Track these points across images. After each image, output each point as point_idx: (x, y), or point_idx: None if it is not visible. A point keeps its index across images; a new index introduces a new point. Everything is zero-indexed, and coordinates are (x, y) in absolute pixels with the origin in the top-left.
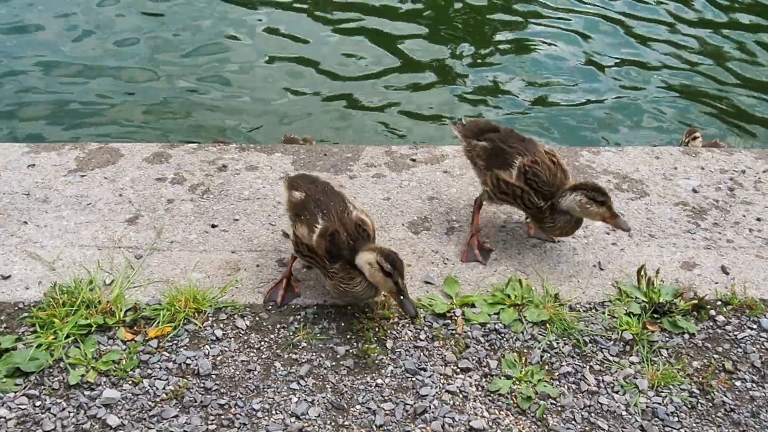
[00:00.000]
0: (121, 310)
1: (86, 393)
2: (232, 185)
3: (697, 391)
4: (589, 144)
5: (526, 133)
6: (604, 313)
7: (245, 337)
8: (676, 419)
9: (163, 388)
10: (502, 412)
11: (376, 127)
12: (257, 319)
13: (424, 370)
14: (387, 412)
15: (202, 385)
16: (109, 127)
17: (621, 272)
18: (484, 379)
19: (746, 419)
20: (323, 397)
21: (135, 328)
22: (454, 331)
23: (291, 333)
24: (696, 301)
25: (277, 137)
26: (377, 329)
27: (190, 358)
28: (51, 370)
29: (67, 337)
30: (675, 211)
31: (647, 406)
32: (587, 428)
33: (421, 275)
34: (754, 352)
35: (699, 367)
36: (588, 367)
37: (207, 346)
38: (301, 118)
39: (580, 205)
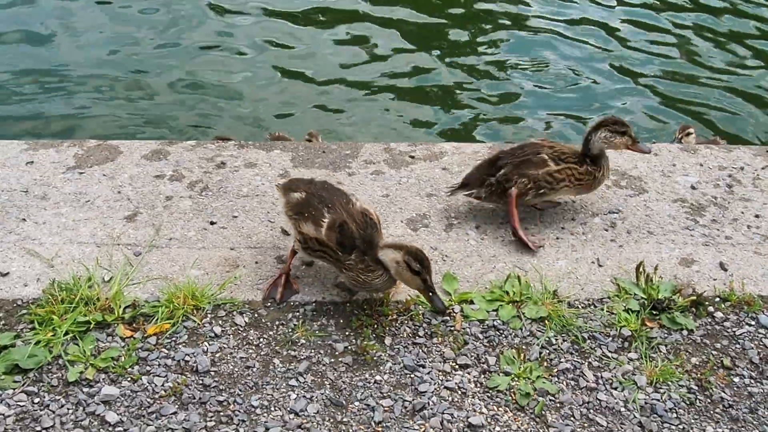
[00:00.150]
0: (119, 307)
1: (85, 390)
2: (230, 182)
3: (696, 388)
4: None
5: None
6: (602, 309)
7: (244, 334)
8: (675, 415)
9: (162, 385)
10: (500, 409)
11: (375, 125)
12: (256, 316)
13: (423, 366)
14: (386, 408)
15: (200, 381)
16: (108, 124)
17: (619, 269)
18: (482, 376)
19: (744, 415)
20: (322, 394)
21: (134, 325)
22: (452, 328)
23: (290, 330)
24: (694, 298)
25: (282, 133)
26: (376, 326)
27: (188, 355)
28: (50, 367)
29: (66, 334)
30: (673, 208)
31: (646, 403)
32: (586, 424)
33: None
34: (753, 348)
35: (697, 363)
36: (586, 363)
37: (206, 343)
38: (301, 117)
39: (607, 141)
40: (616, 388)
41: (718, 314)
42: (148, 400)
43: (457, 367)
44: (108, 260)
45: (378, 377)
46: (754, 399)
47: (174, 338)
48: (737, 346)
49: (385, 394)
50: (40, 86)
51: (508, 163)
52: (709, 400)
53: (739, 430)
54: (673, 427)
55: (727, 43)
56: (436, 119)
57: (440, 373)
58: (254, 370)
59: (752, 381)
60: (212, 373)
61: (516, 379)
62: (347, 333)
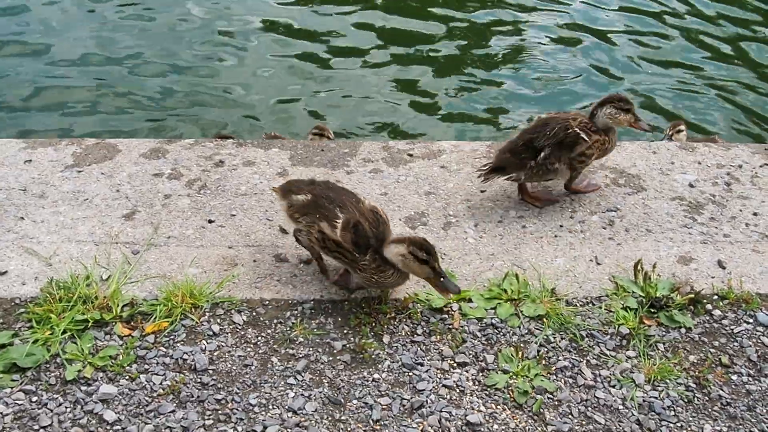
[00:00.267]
0: (118, 305)
1: (83, 388)
2: (229, 181)
3: (694, 385)
4: None
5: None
6: (600, 307)
7: (242, 333)
8: (673, 413)
9: (160, 384)
10: (498, 407)
11: (373, 123)
12: (254, 314)
13: (421, 364)
14: (384, 406)
15: (199, 380)
16: (107, 123)
17: (618, 267)
18: (480, 374)
19: (742, 413)
20: (320, 392)
21: (132, 323)
22: (450, 326)
23: (288, 328)
24: (692, 296)
25: (276, 133)
26: (374, 324)
27: (186, 354)
28: (48, 366)
29: (64, 332)
30: (672, 206)
31: (644, 401)
32: (584, 422)
33: None
34: (750, 346)
35: (695, 361)
36: (585, 361)
37: (204, 342)
38: (300, 116)
39: (611, 117)
40: (614, 386)
41: (716, 312)
42: (147, 398)
43: (455, 365)
44: (106, 259)
45: (376, 375)
46: (751, 397)
47: (172, 337)
48: (735, 343)
49: (383, 393)
50: (40, 85)
51: (546, 145)
52: (707, 398)
53: (737, 427)
54: (671, 425)
55: (717, 41)
56: (436, 118)
57: (438, 372)
58: (252, 368)
59: (750, 379)
60: (210, 372)
61: (514, 377)
62: (345, 331)
